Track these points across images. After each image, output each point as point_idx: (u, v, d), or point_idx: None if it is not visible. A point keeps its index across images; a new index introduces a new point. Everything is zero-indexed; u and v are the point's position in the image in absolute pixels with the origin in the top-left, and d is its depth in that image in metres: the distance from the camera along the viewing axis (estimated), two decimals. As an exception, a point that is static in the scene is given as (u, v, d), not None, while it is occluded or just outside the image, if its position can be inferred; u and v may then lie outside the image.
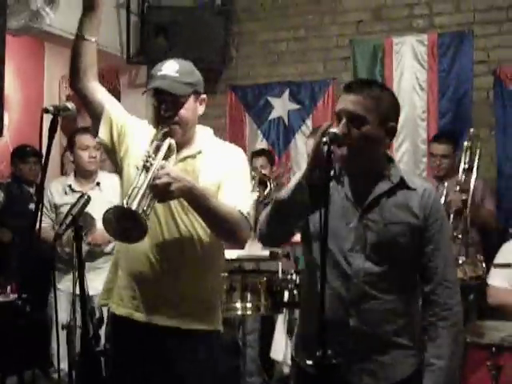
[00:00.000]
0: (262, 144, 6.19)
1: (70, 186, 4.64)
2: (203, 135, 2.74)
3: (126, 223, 2.27)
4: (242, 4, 6.37)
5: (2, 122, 2.53)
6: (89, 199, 2.09)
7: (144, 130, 2.71)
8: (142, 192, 2.31)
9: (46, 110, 2.25)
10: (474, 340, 3.53)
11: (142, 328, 2.62)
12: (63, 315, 4.40)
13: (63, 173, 6.84)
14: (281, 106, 6.22)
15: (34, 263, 2.46)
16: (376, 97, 2.34)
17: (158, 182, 2.37)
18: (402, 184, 2.39)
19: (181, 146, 2.64)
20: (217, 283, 2.77)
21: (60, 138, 6.70)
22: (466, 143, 4.52)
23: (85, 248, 4.35)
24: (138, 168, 2.45)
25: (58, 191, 4.67)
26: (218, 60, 6.21)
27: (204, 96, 2.71)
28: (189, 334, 2.62)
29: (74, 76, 2.68)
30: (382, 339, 2.37)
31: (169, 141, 2.54)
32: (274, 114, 6.26)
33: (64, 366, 4.21)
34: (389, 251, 2.35)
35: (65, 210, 4.59)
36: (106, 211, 2.23)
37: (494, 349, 3.46)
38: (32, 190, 5.63)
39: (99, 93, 2.73)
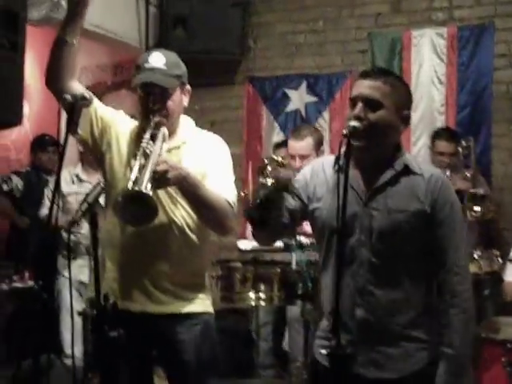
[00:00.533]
0: (278, 136, 6.18)
1: (77, 176, 4.67)
2: (186, 126, 2.79)
3: (135, 207, 2.30)
4: (261, -5, 6.37)
5: (22, 111, 2.57)
6: (104, 187, 2.12)
7: (127, 124, 2.75)
8: (148, 176, 2.35)
9: (64, 100, 2.28)
10: (489, 336, 3.52)
11: (136, 317, 2.65)
12: (72, 301, 4.46)
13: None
14: (298, 99, 6.21)
15: (41, 250, 2.50)
16: (392, 84, 2.37)
17: (157, 168, 2.42)
18: (407, 171, 2.37)
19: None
20: (204, 268, 2.82)
21: (78, 128, 6.76)
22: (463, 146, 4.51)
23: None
24: (135, 154, 2.48)
25: (66, 180, 4.71)
26: (236, 51, 6.21)
27: (188, 87, 2.76)
28: (182, 317, 2.68)
29: (53, 76, 2.68)
30: (392, 331, 2.35)
31: (163, 130, 2.59)
32: (291, 107, 6.24)
33: (77, 352, 4.27)
34: (394, 240, 2.33)
35: (72, 199, 4.69)
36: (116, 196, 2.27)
37: (509, 345, 3.45)
38: (50, 179, 5.69)
39: (78, 91, 2.66)
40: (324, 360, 2.18)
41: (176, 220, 2.66)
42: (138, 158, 2.46)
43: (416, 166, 2.40)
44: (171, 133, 2.70)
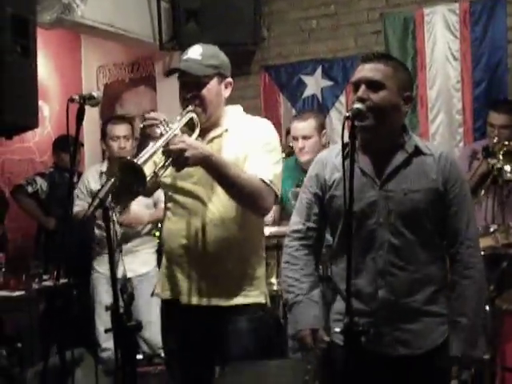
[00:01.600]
0: (297, 122, 6.21)
1: (104, 173, 4.76)
2: (231, 115, 2.78)
3: (128, 177, 2.30)
4: (271, -16, 6.38)
5: (37, 114, 2.63)
6: (115, 182, 2.18)
7: None
8: (151, 151, 2.35)
9: (72, 100, 2.34)
10: (510, 308, 3.54)
11: (194, 311, 2.71)
12: (105, 297, 4.58)
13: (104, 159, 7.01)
14: (314, 84, 6.23)
15: (75, 247, 2.58)
16: (393, 65, 2.43)
17: (172, 147, 2.42)
18: (418, 152, 2.44)
19: (209, 129, 2.71)
20: (257, 259, 2.80)
21: (100, 126, 6.84)
22: None
23: (120, 230, 4.47)
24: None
25: (94, 178, 4.80)
26: (250, 41, 6.23)
27: (229, 79, 2.75)
28: (234, 309, 2.70)
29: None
30: (413, 308, 2.42)
31: (190, 114, 2.60)
32: (307, 92, 6.27)
33: (110, 345, 4.36)
34: (412, 219, 2.40)
35: (100, 195, 4.81)
36: (113, 162, 2.31)
37: (530, 316, 3.47)
38: (74, 179, 5.79)
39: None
40: (339, 339, 2.24)
41: (222, 213, 2.68)
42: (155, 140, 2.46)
43: (425, 146, 2.47)
44: (214, 124, 2.72)
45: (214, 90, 2.68)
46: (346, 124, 2.23)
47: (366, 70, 2.40)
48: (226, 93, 2.76)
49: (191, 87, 2.65)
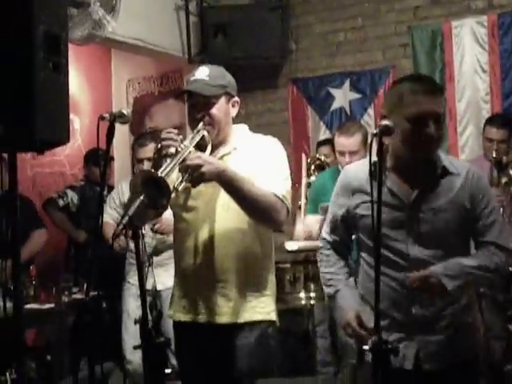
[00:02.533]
0: (325, 135, 6.22)
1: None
2: (239, 133, 2.84)
3: (150, 190, 2.35)
4: (298, -2, 6.42)
5: (69, 130, 2.67)
6: (144, 199, 2.20)
7: None
8: (170, 165, 2.41)
9: (102, 118, 2.37)
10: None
11: (205, 329, 2.73)
12: (133, 308, 4.60)
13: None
14: (342, 97, 6.24)
15: (106, 260, 2.62)
16: (441, 92, 2.55)
17: (189, 162, 2.46)
18: (445, 172, 2.49)
19: (217, 146, 2.75)
20: (267, 275, 2.82)
21: (130, 139, 6.90)
22: None
23: (152, 243, 4.49)
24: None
25: (125, 191, 4.84)
26: (278, 55, 6.27)
27: (236, 98, 2.81)
28: (240, 326, 2.71)
29: None
30: (446, 321, 2.47)
31: (202, 132, 2.65)
32: (335, 105, 6.28)
33: (134, 357, 4.38)
34: (442, 238, 2.45)
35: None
36: (135, 175, 2.34)
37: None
38: (104, 192, 5.84)
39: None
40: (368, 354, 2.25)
41: (232, 229, 2.71)
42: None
43: (451, 164, 2.52)
44: (222, 141, 2.77)
45: (223, 109, 2.75)
46: (373, 141, 2.25)
47: (434, 104, 2.43)
48: (234, 111, 2.82)
49: (200, 107, 2.72)
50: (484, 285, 2.57)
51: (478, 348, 2.55)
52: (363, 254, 2.62)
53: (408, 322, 2.46)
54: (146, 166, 4.54)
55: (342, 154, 4.19)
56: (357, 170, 2.62)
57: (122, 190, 4.85)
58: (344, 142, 4.23)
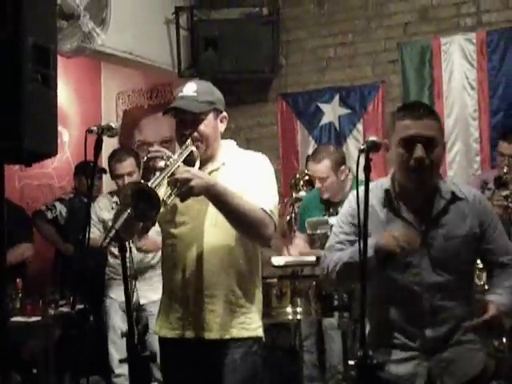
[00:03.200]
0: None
1: (116, 203, 4.76)
2: (227, 149, 2.84)
3: (140, 201, 2.35)
4: (289, 13, 6.44)
5: (57, 142, 2.66)
6: (131, 213, 2.20)
7: None
8: (159, 178, 2.42)
9: (90, 131, 2.37)
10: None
11: (192, 345, 2.71)
12: (119, 323, 4.60)
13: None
14: (331, 112, 6.27)
15: (90, 274, 2.61)
16: (436, 118, 2.52)
17: (178, 176, 2.46)
18: (454, 198, 2.53)
19: (205, 162, 2.75)
20: (254, 291, 2.81)
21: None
22: None
23: (136, 258, 4.48)
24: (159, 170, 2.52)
25: (106, 207, 4.84)
26: (268, 69, 6.29)
27: (224, 114, 2.81)
28: (232, 343, 2.70)
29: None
30: (458, 340, 2.54)
31: (191, 148, 2.65)
32: (324, 120, 6.30)
33: (123, 371, 4.37)
34: (453, 264, 2.51)
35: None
36: (125, 186, 2.32)
37: None
38: (92, 206, 5.81)
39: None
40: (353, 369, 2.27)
41: (220, 245, 2.70)
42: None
43: (458, 190, 2.56)
44: (210, 157, 2.77)
45: (211, 125, 2.74)
46: (360, 157, 2.27)
47: (422, 127, 2.43)
48: (222, 127, 2.82)
49: (189, 124, 2.71)
50: None
51: (484, 364, 2.60)
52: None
53: (421, 343, 2.52)
54: (129, 180, 4.53)
55: (314, 178, 4.27)
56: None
57: (99, 207, 4.85)
58: (312, 167, 4.30)
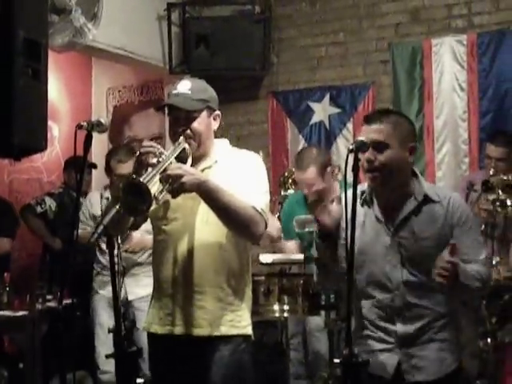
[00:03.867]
0: (304, 148, 6.24)
1: (107, 199, 4.75)
2: (220, 147, 2.86)
3: (131, 196, 2.36)
4: (281, 11, 6.44)
5: (47, 137, 2.67)
6: (119, 209, 2.20)
7: None
8: (151, 174, 2.43)
9: (80, 126, 2.37)
10: (512, 340, 3.57)
11: (181, 341, 2.72)
12: (105, 318, 4.59)
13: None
14: (321, 111, 6.27)
15: (77, 269, 2.61)
16: (393, 122, 2.60)
17: (170, 172, 2.48)
18: (427, 200, 2.61)
19: (198, 160, 2.76)
20: (244, 289, 2.82)
21: (108, 148, 6.88)
22: None
23: (124, 255, 4.47)
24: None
25: (97, 201, 4.82)
26: (259, 67, 6.29)
27: (218, 112, 2.83)
28: (221, 340, 2.71)
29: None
30: (428, 338, 2.61)
31: (183, 145, 2.67)
32: (314, 119, 6.30)
33: (109, 367, 4.36)
34: (423, 263, 2.57)
35: (102, 219, 4.78)
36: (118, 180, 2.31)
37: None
38: (82, 200, 5.80)
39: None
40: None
41: (210, 242, 2.71)
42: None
43: (434, 193, 2.64)
44: (203, 155, 2.79)
45: (204, 123, 2.76)
46: (349, 157, 2.32)
47: (370, 132, 2.56)
48: (215, 125, 2.83)
49: (182, 121, 2.72)
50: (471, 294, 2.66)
51: (458, 364, 2.65)
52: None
53: (392, 336, 2.61)
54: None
55: (300, 183, 4.23)
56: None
57: (90, 202, 4.84)
58: (298, 176, 4.26)
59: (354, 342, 2.63)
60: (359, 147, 2.35)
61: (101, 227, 2.13)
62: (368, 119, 2.62)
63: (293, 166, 5.48)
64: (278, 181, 5.42)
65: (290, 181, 5.22)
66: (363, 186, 2.69)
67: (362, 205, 2.65)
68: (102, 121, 2.43)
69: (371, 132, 2.56)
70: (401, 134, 2.58)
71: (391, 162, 2.55)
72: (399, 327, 2.60)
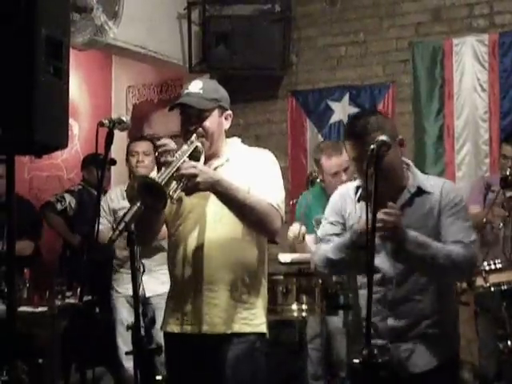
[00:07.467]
0: (323, 148, 6.23)
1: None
2: (231, 145, 2.88)
3: (147, 196, 2.38)
4: (301, 10, 6.43)
5: (68, 134, 2.68)
6: (141, 206, 2.21)
7: None
8: (165, 173, 2.45)
9: (102, 124, 2.38)
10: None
11: (195, 339, 2.73)
12: (125, 315, 4.61)
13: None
14: (341, 110, 6.25)
15: (96, 266, 2.62)
16: (377, 125, 2.59)
17: (184, 171, 2.49)
18: (420, 191, 2.63)
19: (210, 158, 2.78)
20: (259, 287, 2.82)
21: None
22: None
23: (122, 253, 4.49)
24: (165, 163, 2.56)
25: (117, 196, 4.87)
26: (278, 66, 6.29)
27: (229, 112, 2.84)
28: (234, 338, 2.72)
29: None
30: (420, 332, 2.62)
31: (196, 143, 2.68)
32: (334, 118, 6.29)
33: (130, 365, 4.37)
34: None
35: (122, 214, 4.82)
36: (132, 179, 2.34)
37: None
38: (102, 197, 5.82)
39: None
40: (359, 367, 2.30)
41: (224, 240, 2.73)
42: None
43: (427, 184, 2.65)
44: (215, 153, 2.81)
45: (216, 122, 2.78)
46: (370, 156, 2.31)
47: (349, 151, 2.65)
48: (227, 124, 2.85)
49: (194, 120, 2.74)
50: (438, 274, 2.61)
51: (453, 353, 2.70)
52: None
53: (386, 333, 2.61)
54: (141, 157, 4.72)
55: (337, 173, 4.16)
56: (349, 190, 2.80)
57: (110, 198, 4.89)
58: (337, 161, 4.19)
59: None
60: (380, 146, 2.35)
61: (122, 224, 2.14)
62: (356, 134, 2.60)
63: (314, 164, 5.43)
64: (306, 179, 5.30)
65: (318, 180, 5.08)
66: (357, 182, 2.73)
67: (359, 200, 2.68)
68: (124, 118, 2.44)
69: (348, 149, 2.64)
70: (389, 131, 2.56)
71: (393, 162, 2.57)
72: (390, 321, 2.62)
